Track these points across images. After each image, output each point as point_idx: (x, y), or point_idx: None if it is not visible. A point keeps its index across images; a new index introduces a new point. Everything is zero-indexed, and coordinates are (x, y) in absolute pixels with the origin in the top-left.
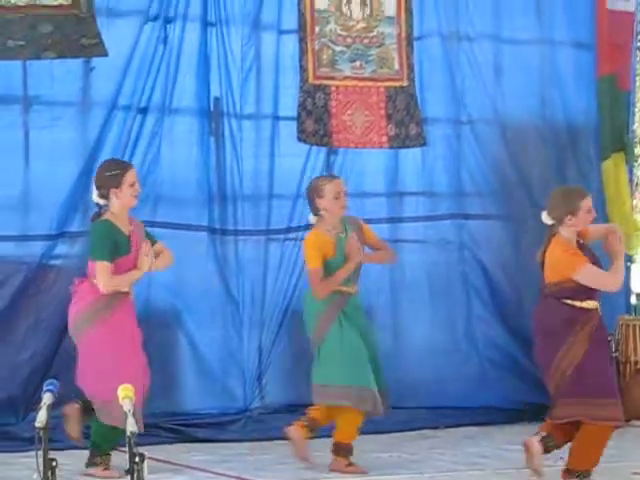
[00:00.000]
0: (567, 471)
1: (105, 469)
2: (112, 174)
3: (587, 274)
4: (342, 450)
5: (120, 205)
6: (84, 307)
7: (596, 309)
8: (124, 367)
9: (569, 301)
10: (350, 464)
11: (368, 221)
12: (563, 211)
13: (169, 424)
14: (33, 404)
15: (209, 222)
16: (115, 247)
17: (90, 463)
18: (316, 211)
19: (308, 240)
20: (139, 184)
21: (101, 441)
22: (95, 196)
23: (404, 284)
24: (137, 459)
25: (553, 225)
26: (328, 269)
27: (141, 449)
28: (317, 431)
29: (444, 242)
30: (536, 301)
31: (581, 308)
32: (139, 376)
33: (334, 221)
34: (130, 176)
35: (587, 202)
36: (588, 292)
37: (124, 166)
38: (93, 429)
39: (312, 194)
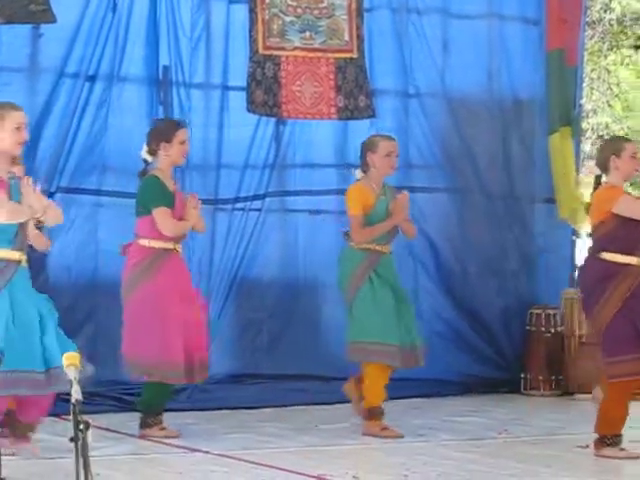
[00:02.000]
0: (598, 440)
1: (161, 429)
2: (165, 128)
3: (627, 203)
4: (374, 413)
5: (168, 161)
6: (131, 268)
7: (637, 265)
8: (168, 325)
9: (605, 255)
10: (385, 427)
11: (316, 192)
12: (608, 153)
13: (114, 392)
14: None
15: None
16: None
17: (144, 424)
18: (365, 167)
19: (352, 189)
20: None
21: (151, 401)
22: (143, 152)
23: None
24: (81, 427)
25: (599, 176)
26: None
27: (86, 417)
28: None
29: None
30: (481, 274)
31: (616, 263)
32: (187, 334)
33: (379, 179)
34: (182, 134)
35: (631, 146)
36: (625, 243)
37: (178, 123)
38: (143, 390)
39: (365, 148)
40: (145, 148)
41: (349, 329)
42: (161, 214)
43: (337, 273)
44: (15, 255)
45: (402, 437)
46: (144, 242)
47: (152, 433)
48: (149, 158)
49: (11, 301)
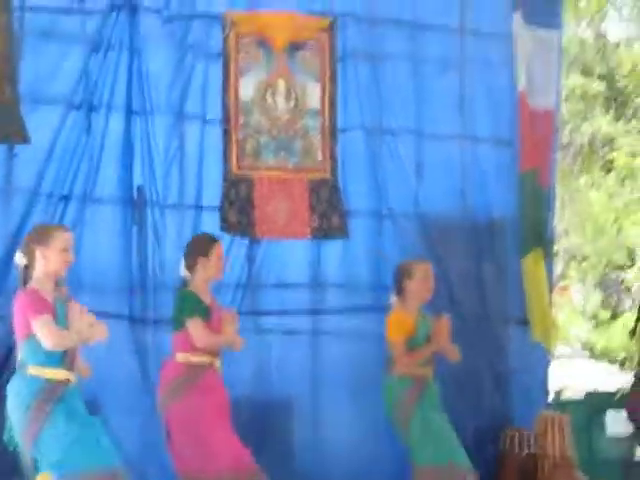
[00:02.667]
0: None
1: None
2: (202, 243)
3: None
4: None
5: (205, 276)
6: (167, 383)
7: None
8: (211, 435)
9: None
10: None
11: (289, 312)
12: None
13: None
14: None
15: (130, 311)
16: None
17: None
18: (400, 292)
19: (391, 317)
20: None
21: None
22: (181, 268)
23: (325, 376)
24: None
25: None
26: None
27: None
28: None
29: (365, 334)
30: (454, 394)
31: None
32: (230, 441)
33: (416, 304)
34: (219, 248)
35: None
36: None
37: (214, 239)
38: None
39: (401, 274)
40: (183, 263)
41: (415, 454)
42: (195, 325)
43: (385, 404)
44: (64, 375)
45: None
46: (181, 357)
47: None
48: (187, 273)
49: (67, 418)
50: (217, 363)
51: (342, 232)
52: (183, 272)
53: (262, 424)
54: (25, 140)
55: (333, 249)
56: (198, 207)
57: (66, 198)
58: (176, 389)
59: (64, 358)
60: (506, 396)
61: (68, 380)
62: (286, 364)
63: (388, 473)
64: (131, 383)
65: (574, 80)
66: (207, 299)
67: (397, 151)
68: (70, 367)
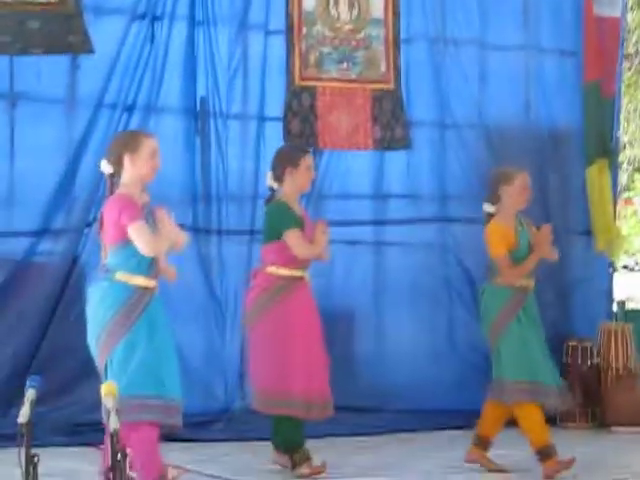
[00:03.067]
0: None
1: (309, 468)
2: (291, 154)
3: None
4: (547, 453)
5: (293, 186)
6: (256, 296)
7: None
8: (291, 357)
9: None
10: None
11: (352, 223)
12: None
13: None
14: (16, 400)
15: (193, 222)
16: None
17: (294, 465)
18: (496, 199)
19: (492, 228)
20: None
21: (286, 437)
22: (269, 178)
23: (387, 287)
24: (120, 456)
25: None
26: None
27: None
28: (490, 445)
29: (428, 245)
30: None
31: None
32: (309, 368)
33: (514, 212)
34: (308, 159)
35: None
36: None
37: (304, 149)
38: (274, 429)
39: (498, 180)
40: (270, 174)
41: (497, 368)
42: (294, 236)
43: (481, 310)
44: (151, 283)
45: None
46: (272, 269)
47: (304, 473)
48: (275, 185)
49: (149, 329)
50: (307, 276)
51: (405, 143)
52: (270, 183)
53: (325, 334)
54: (89, 50)
55: (396, 160)
56: (261, 117)
57: (130, 109)
58: (265, 302)
59: (152, 266)
60: (569, 307)
61: (154, 289)
62: (349, 275)
63: (448, 383)
64: (195, 294)
65: None
66: (298, 210)
67: (460, 61)
68: (156, 276)
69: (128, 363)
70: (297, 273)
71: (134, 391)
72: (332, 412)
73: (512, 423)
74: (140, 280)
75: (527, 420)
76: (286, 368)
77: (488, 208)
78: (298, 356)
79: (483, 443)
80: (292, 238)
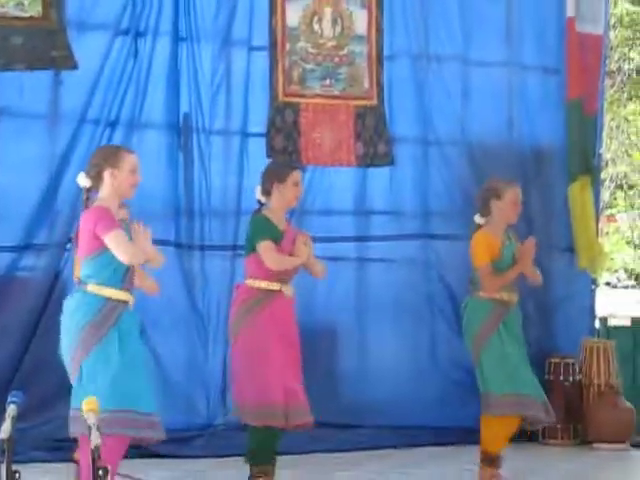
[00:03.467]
0: None
1: None
2: (279, 169)
3: None
4: (491, 460)
5: (280, 201)
6: (236, 309)
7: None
8: (269, 368)
9: None
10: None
11: (335, 239)
12: None
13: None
14: None
15: (176, 237)
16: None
17: (250, 476)
18: (486, 212)
19: (478, 238)
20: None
21: (256, 449)
22: (257, 192)
23: (370, 303)
24: (101, 473)
25: None
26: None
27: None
28: (499, 461)
29: (410, 261)
30: None
31: None
32: (284, 376)
33: (503, 225)
34: (296, 175)
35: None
36: None
37: (294, 165)
38: (248, 438)
39: (489, 194)
40: (259, 188)
41: (482, 382)
42: (265, 247)
43: (464, 323)
44: (124, 295)
45: None
46: (250, 282)
47: None
48: (262, 199)
49: (120, 342)
50: (288, 290)
51: (388, 159)
52: (259, 197)
53: (307, 350)
54: (72, 66)
55: (379, 176)
56: (244, 133)
57: (112, 124)
58: (244, 314)
59: (125, 278)
60: (551, 323)
61: (127, 302)
62: (331, 291)
63: (430, 400)
64: (177, 308)
65: (622, 7)
66: (282, 225)
67: (443, 78)
68: (130, 288)
69: (97, 375)
70: (274, 286)
71: (102, 405)
72: (311, 419)
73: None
74: (112, 292)
75: (489, 429)
76: (264, 379)
77: (478, 220)
78: (274, 367)
79: (488, 459)
80: (263, 249)
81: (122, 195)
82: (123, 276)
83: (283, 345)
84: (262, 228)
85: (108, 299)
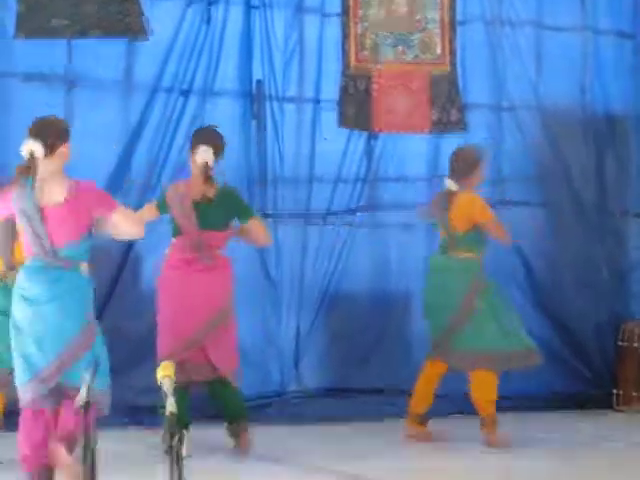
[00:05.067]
0: None
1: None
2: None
3: None
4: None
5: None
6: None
7: None
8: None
9: None
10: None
11: (408, 206)
12: None
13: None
14: None
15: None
16: None
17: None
18: (470, 175)
19: (476, 197)
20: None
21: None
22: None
23: None
24: (176, 439)
25: None
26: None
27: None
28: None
29: None
30: (573, 288)
31: None
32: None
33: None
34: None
35: None
36: None
37: None
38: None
39: (473, 158)
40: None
41: (466, 337)
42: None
43: (447, 282)
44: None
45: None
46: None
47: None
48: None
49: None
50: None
51: (461, 126)
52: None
53: (380, 317)
54: (145, 34)
55: (452, 143)
56: (317, 101)
57: (186, 92)
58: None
59: None
60: (626, 289)
61: None
62: (404, 258)
63: None
64: (250, 277)
65: None
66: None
67: (517, 43)
68: None
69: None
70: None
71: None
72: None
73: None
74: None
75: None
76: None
77: (452, 186)
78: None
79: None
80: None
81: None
82: None
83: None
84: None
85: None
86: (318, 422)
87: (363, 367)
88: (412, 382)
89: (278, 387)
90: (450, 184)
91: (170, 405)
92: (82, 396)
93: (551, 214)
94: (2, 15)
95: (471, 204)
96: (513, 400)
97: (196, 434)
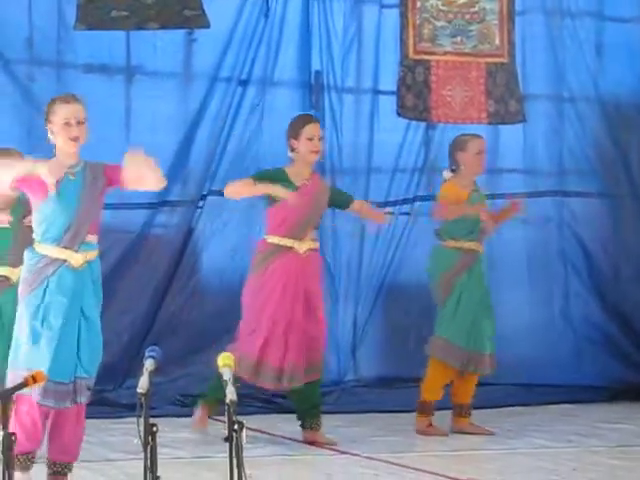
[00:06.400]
0: None
1: None
2: (292, 125)
3: None
4: (424, 408)
5: (298, 157)
6: (251, 262)
7: None
8: (260, 324)
9: None
10: (431, 425)
11: None
12: None
13: (264, 394)
14: (132, 371)
15: None
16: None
17: None
18: (455, 166)
19: (445, 187)
20: (319, 141)
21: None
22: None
23: (503, 261)
24: (236, 427)
25: None
26: (458, 222)
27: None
28: (432, 410)
29: (544, 219)
30: (633, 278)
31: None
32: (285, 336)
33: (470, 178)
34: (309, 130)
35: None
36: None
37: (306, 119)
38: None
39: (454, 148)
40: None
41: (438, 324)
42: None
43: (429, 270)
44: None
45: (446, 435)
46: (265, 236)
47: None
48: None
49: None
50: (299, 246)
51: (519, 117)
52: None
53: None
54: (205, 25)
55: (511, 134)
56: (375, 91)
57: (244, 82)
58: (255, 266)
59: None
60: None
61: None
62: None
63: (564, 356)
64: None
65: None
66: (300, 180)
67: (577, 33)
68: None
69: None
70: (285, 242)
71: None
72: (300, 383)
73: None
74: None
75: (430, 373)
76: (259, 336)
77: (446, 175)
78: (266, 325)
79: (423, 408)
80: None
81: (65, 152)
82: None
83: (290, 304)
84: (264, 171)
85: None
86: (374, 411)
87: (420, 357)
88: None
89: (335, 376)
90: (444, 172)
91: (230, 394)
92: None
93: (611, 205)
94: (63, 7)
95: (441, 193)
96: (573, 390)
97: (253, 423)
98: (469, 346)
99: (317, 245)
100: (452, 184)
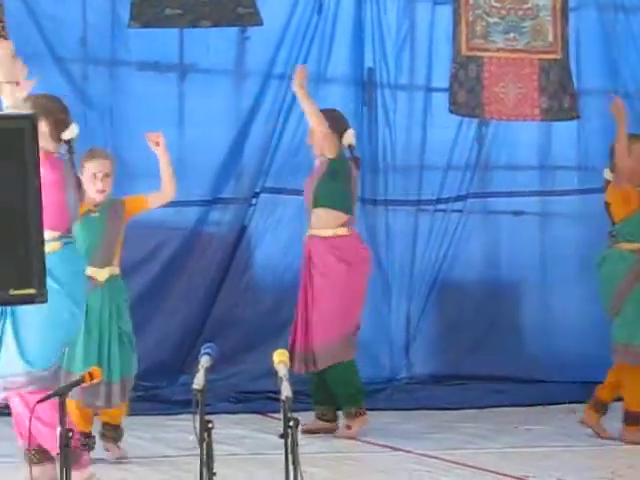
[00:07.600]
0: None
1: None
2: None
3: None
4: (635, 419)
5: None
6: None
7: None
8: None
9: None
10: None
11: (519, 193)
12: None
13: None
14: (186, 368)
15: (360, 192)
16: None
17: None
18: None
19: (614, 190)
20: None
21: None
22: None
23: (553, 258)
24: (291, 424)
25: None
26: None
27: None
28: (606, 410)
29: (597, 216)
30: None
31: None
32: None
33: (634, 183)
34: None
35: None
36: None
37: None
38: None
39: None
40: None
41: (620, 331)
42: None
43: (601, 274)
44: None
45: None
46: None
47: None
48: None
49: None
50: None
51: (573, 114)
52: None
53: (491, 305)
54: (257, 22)
55: (564, 130)
56: (428, 88)
57: None
58: None
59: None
60: None
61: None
62: (515, 246)
63: None
64: None
65: None
66: None
67: (631, 28)
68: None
69: None
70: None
71: None
72: (314, 368)
73: None
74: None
75: (632, 382)
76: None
77: (608, 175)
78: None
79: (633, 418)
80: None
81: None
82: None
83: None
84: None
85: None
86: (427, 408)
87: (473, 355)
88: (521, 370)
89: (389, 373)
90: (605, 173)
91: (285, 390)
92: None
93: None
94: (117, 5)
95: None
96: None
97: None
98: None
99: None
100: (620, 188)
